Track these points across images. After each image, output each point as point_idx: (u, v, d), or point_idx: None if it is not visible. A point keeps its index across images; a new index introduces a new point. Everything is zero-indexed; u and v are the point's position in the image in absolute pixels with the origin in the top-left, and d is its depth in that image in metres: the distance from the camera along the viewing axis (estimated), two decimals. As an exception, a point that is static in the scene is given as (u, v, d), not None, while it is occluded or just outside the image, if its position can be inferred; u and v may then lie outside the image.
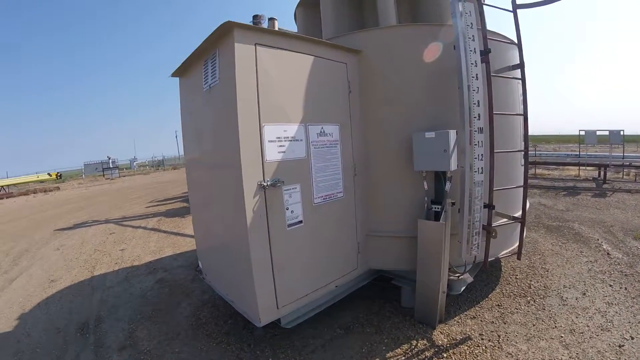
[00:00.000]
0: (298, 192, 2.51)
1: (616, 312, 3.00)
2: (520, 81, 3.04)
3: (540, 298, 3.33)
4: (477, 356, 2.53)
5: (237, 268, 2.54)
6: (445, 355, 2.56)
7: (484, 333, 2.81)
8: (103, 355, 2.70)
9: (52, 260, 5.56)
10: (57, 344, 2.91)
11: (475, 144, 2.58)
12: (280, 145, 2.39)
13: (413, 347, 2.66)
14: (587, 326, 2.82)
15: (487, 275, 3.81)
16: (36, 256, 5.92)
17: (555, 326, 2.85)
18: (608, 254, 4.30)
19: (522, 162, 3.49)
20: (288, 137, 2.43)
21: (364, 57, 2.97)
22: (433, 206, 2.84)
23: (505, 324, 2.94)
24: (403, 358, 2.55)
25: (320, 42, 2.68)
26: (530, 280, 3.68)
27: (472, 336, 2.77)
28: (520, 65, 2.95)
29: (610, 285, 3.49)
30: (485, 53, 2.64)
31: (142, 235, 6.78)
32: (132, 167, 36.18)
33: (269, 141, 2.32)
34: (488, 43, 2.62)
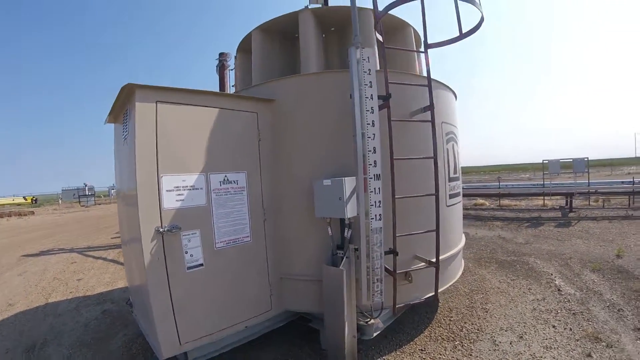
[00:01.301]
0: (198, 237, 2.62)
1: (553, 357, 2.88)
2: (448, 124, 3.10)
3: (470, 342, 3.24)
4: None
5: (145, 304, 2.62)
6: None
7: None
8: None
9: (14, 285, 5.90)
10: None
11: (371, 191, 2.63)
12: (179, 194, 2.54)
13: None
14: (516, 375, 2.74)
15: (420, 316, 3.76)
16: (0, 280, 6.25)
17: (480, 375, 2.77)
18: (559, 290, 4.19)
19: (447, 203, 3.52)
20: (187, 186, 2.58)
21: (277, 105, 3.16)
22: (338, 252, 2.88)
23: None
24: None
25: (226, 95, 2.92)
26: (465, 322, 3.59)
27: None
28: (430, 107, 3.00)
29: (554, 326, 3.39)
30: (386, 98, 2.75)
31: (101, 266, 7.08)
32: (110, 195, 36.29)
33: (167, 190, 2.48)
34: (404, 85, 2.73)
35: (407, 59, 4.20)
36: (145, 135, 2.39)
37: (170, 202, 2.50)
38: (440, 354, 3.07)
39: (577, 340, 3.09)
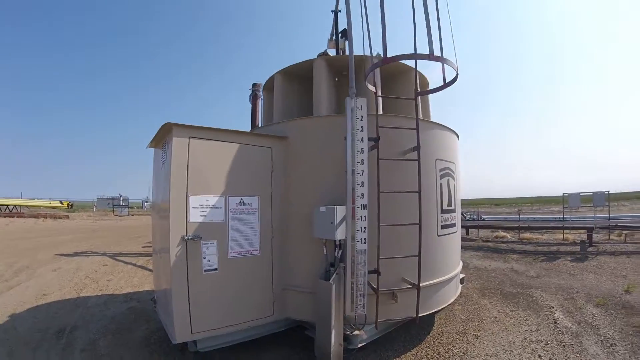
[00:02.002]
0: (215, 247, 3.20)
1: None
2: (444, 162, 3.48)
3: None
4: None
5: (167, 297, 3.21)
6: None
7: None
8: (68, 352, 3.50)
9: (48, 279, 6.67)
10: (36, 340, 3.76)
11: (358, 218, 3.06)
12: (202, 211, 3.16)
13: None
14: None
15: (411, 336, 3.98)
16: (35, 273, 7.08)
17: (449, 398, 2.95)
18: (555, 322, 4.23)
19: (439, 233, 3.81)
20: (209, 205, 3.20)
21: (289, 142, 3.74)
22: (331, 268, 3.30)
23: None
24: None
25: (245, 133, 3.54)
26: (453, 346, 3.76)
27: None
28: (417, 148, 3.41)
29: (539, 356, 3.47)
30: (375, 140, 3.21)
31: (130, 270, 7.76)
32: (144, 207, 37.37)
33: (193, 207, 3.11)
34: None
35: (426, 107, 4.74)
36: (179, 163, 3.06)
37: (195, 216, 3.11)
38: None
39: (559, 371, 3.14)
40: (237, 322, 3.33)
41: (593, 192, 10.48)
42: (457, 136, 4.86)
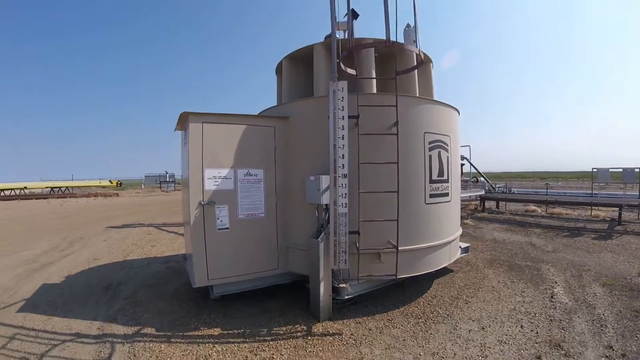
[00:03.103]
0: (226, 210, 3.85)
1: (500, 351, 3.01)
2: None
3: (434, 323, 3.61)
4: (333, 346, 3.17)
5: (190, 253, 3.96)
6: (309, 338, 3.31)
7: (355, 334, 3.35)
8: (113, 301, 4.33)
9: (99, 247, 7.57)
10: (88, 293, 4.62)
11: (340, 186, 3.44)
12: (215, 181, 3.80)
13: (294, 328, 3.54)
14: (455, 354, 2.97)
15: (404, 296, 4.28)
16: (87, 243, 8.07)
17: (423, 346, 3.13)
18: (552, 297, 4.19)
19: (427, 201, 4.02)
20: (221, 176, 3.83)
21: (290, 121, 4.19)
22: (321, 229, 3.75)
23: (380, 333, 3.37)
24: (281, 332, 3.48)
25: (251, 116, 4.07)
26: (440, 308, 3.98)
27: (344, 334, 3.39)
28: (396, 123, 3.66)
29: (522, 327, 3.47)
30: (356, 117, 3.52)
31: (172, 238, 8.65)
32: None
33: (208, 178, 3.77)
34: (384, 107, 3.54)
35: (428, 86, 4.94)
36: (195, 143, 3.71)
37: (209, 186, 3.77)
38: (402, 325, 3.54)
39: (537, 342, 3.09)
40: (246, 272, 3.99)
41: (623, 169, 9.31)
42: (458, 112, 4.87)
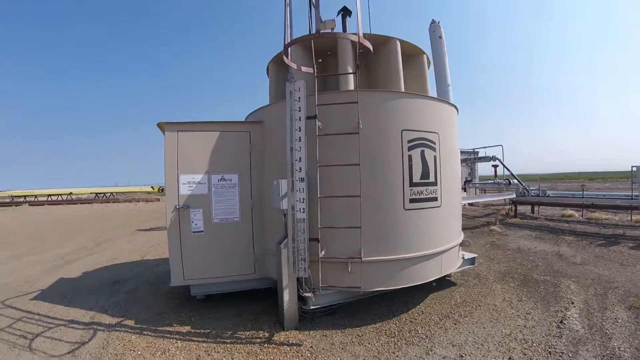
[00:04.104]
0: (200, 213, 3.90)
1: None
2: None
3: (406, 344, 3.14)
4: (286, 356, 2.96)
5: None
6: (266, 346, 3.15)
7: (314, 347, 3.09)
8: (113, 295, 4.60)
9: (122, 248, 8.11)
10: (95, 287, 4.98)
11: (297, 190, 3.23)
12: (190, 186, 3.88)
13: (257, 334, 3.40)
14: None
15: (390, 310, 3.83)
16: (113, 244, 8.72)
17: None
18: (562, 321, 3.41)
19: (406, 207, 3.59)
20: (195, 182, 3.90)
21: (264, 125, 4.09)
22: (287, 235, 3.55)
23: (342, 350, 3.06)
24: (244, 336, 3.39)
25: (225, 123, 4.05)
26: (422, 327, 3.45)
27: (303, 345, 3.14)
28: (358, 121, 3.32)
29: (510, 358, 2.82)
30: (312, 118, 3.28)
31: None
32: None
33: (182, 183, 3.87)
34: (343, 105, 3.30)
35: (421, 80, 4.44)
36: (171, 151, 3.83)
37: (184, 190, 3.86)
38: (370, 343, 3.14)
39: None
40: (222, 275, 3.98)
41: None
42: (454, 107, 4.28)
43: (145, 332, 3.45)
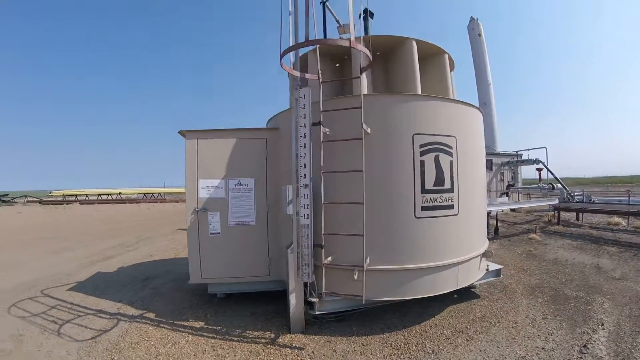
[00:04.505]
0: (218, 216, 4.09)
1: None
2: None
3: (409, 359, 3.01)
4: (286, 358, 3.01)
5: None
6: (269, 347, 3.21)
7: (315, 353, 3.08)
8: (142, 289, 4.93)
9: (160, 245, 8.45)
10: (127, 281, 5.33)
11: (302, 196, 3.25)
12: (208, 190, 4.08)
13: (263, 334, 3.48)
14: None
15: (403, 321, 3.67)
16: (152, 242, 9.05)
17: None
18: (586, 345, 3.00)
19: (418, 215, 3.43)
20: (213, 186, 4.09)
21: (280, 132, 4.15)
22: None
23: (342, 358, 3.02)
24: (251, 335, 3.48)
25: (242, 130, 4.18)
26: (431, 341, 3.24)
27: (305, 350, 3.14)
28: (361, 126, 3.23)
29: None
30: (317, 124, 3.27)
31: None
32: None
33: (201, 188, 4.08)
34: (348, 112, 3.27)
35: (442, 81, 4.25)
36: (191, 157, 4.07)
37: (203, 194, 4.08)
38: (372, 354, 3.04)
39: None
40: (237, 275, 4.14)
41: None
42: (478, 109, 3.99)
43: (162, 325, 3.69)
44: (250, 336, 3.46)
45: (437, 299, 3.94)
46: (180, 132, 4.17)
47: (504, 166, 13.31)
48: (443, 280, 3.56)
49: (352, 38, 2.88)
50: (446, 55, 4.35)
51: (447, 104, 3.66)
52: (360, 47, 3.03)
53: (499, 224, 9.14)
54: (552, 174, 10.97)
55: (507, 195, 12.25)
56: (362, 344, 3.27)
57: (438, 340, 3.27)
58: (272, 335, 3.46)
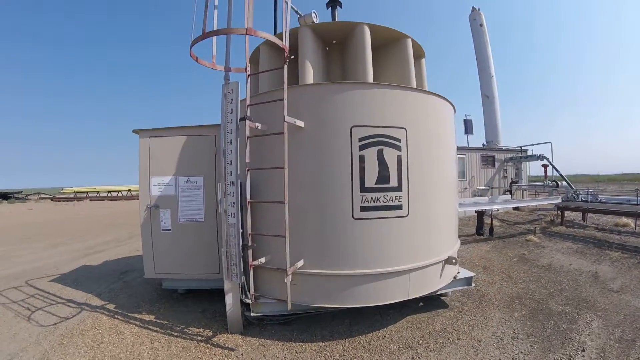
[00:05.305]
0: (168, 213, 4.04)
1: None
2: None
3: None
4: (214, 357, 2.92)
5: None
6: (202, 344, 3.12)
7: (244, 355, 2.95)
8: (115, 282, 5.02)
9: None
10: (106, 274, 5.43)
11: (229, 194, 3.06)
12: (159, 188, 4.05)
13: (202, 332, 3.39)
14: None
15: (351, 328, 3.37)
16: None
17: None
18: None
19: (356, 215, 3.10)
20: (164, 183, 4.04)
21: (228, 128, 3.97)
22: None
23: None
24: (190, 332, 3.40)
25: (192, 127, 4.07)
26: (371, 355, 2.89)
27: (236, 351, 3.01)
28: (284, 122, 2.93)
29: None
30: (242, 119, 3.05)
31: None
32: None
33: (153, 185, 4.05)
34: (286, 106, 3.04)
35: (404, 69, 3.83)
36: (144, 155, 4.04)
37: (155, 191, 4.04)
38: (305, 359, 2.88)
39: None
40: (189, 271, 4.06)
41: None
42: (447, 101, 3.53)
43: (116, 316, 3.75)
44: (190, 333, 3.39)
45: (396, 307, 3.58)
46: (135, 131, 4.18)
47: (507, 162, 12.29)
48: (389, 288, 3.17)
49: (248, 25, 2.61)
50: (408, 40, 3.85)
51: (395, 92, 3.22)
52: (262, 34, 2.74)
53: (497, 223, 8.42)
54: (557, 170, 9.82)
55: (511, 193, 11.21)
56: (296, 351, 3.02)
57: (379, 355, 2.92)
58: (210, 334, 3.35)
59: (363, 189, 3.09)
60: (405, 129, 3.20)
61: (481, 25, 9.47)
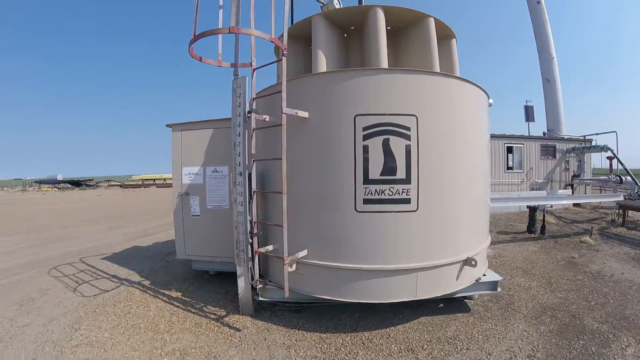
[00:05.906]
0: (197, 200, 4.39)
1: None
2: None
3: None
4: (218, 337, 3.09)
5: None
6: (213, 323, 3.35)
7: (247, 338, 3.08)
8: (156, 262, 5.54)
9: None
10: (151, 255, 5.99)
11: (238, 184, 3.21)
12: (190, 177, 4.41)
13: (217, 311, 3.64)
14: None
15: (359, 323, 3.31)
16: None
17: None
18: None
19: (359, 208, 3.01)
20: (194, 173, 4.39)
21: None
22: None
23: (266, 347, 2.94)
24: (207, 310, 3.68)
25: (219, 120, 4.28)
26: (367, 354, 2.80)
27: (241, 332, 3.17)
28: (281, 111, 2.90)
29: None
30: (249, 112, 3.15)
31: None
32: None
33: (184, 174, 4.43)
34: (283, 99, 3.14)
35: (426, 52, 3.53)
36: (176, 147, 4.42)
37: (186, 180, 4.41)
38: (296, 352, 2.87)
39: None
40: (215, 254, 4.37)
41: None
42: (479, 89, 3.21)
43: (148, 291, 4.21)
44: (206, 311, 3.67)
45: (412, 305, 3.42)
46: (168, 125, 4.60)
47: (569, 153, 10.52)
48: (393, 286, 2.99)
49: (232, 24, 2.62)
50: (430, 20, 3.47)
51: (407, 76, 2.95)
52: (246, 30, 2.72)
53: (553, 221, 7.34)
54: (622, 163, 8.09)
55: (572, 187, 9.52)
56: (296, 339, 3.07)
57: (376, 355, 2.80)
58: (224, 313, 3.59)
59: (367, 180, 2.94)
60: (415, 116, 2.94)
61: (538, 2, 8.17)
